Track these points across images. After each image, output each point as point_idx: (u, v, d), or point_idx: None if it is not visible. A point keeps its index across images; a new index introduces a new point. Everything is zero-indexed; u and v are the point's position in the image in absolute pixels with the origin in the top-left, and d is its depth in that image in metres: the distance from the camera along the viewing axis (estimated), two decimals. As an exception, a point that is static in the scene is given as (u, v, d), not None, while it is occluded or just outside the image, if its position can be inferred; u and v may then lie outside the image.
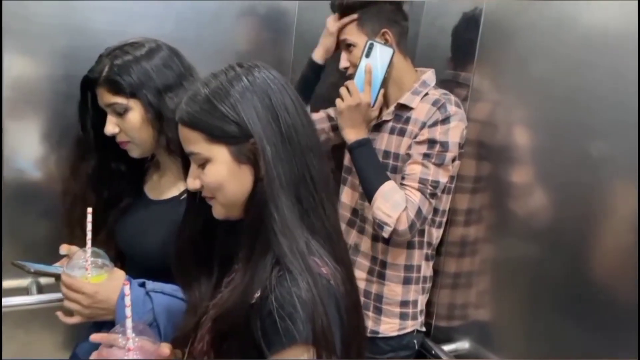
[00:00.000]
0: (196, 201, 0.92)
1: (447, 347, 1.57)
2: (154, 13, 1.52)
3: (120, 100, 1.13)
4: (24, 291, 1.52)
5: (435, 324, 1.65)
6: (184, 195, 1.14)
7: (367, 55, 1.42)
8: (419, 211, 1.37)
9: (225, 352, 0.83)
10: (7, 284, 1.51)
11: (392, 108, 1.48)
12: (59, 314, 1.10)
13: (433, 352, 1.58)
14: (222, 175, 0.83)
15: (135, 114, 1.14)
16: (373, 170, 1.41)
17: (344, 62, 1.49)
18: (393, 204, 1.35)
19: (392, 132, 1.48)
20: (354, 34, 1.45)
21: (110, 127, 1.15)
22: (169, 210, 1.15)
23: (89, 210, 1.07)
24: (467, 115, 1.48)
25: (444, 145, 1.39)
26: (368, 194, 1.40)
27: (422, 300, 1.57)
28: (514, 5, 1.42)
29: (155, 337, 0.94)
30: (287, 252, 0.78)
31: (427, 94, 1.46)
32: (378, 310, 1.53)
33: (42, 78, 1.46)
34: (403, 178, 1.40)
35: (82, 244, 1.10)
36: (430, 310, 1.64)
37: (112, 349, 0.89)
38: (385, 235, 1.38)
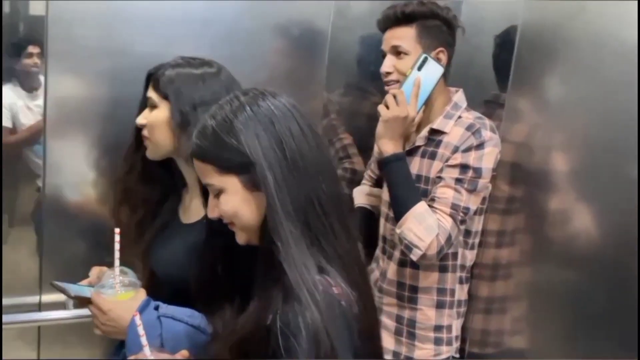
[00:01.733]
0: (213, 227, 0.94)
1: (481, 375, 1.53)
2: (192, 34, 1.56)
3: (154, 96, 1.18)
4: (62, 306, 1.56)
5: (469, 350, 1.60)
6: None
7: (419, 69, 1.38)
8: (449, 238, 1.34)
9: None
10: (45, 298, 1.56)
11: (424, 132, 1.46)
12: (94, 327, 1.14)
13: (467, 379, 1.53)
14: (236, 203, 0.85)
15: (160, 113, 1.18)
16: (406, 188, 1.38)
17: (387, 67, 1.44)
18: (426, 227, 1.33)
19: (423, 155, 1.45)
20: (410, 42, 1.41)
21: (141, 117, 1.21)
22: (195, 234, 1.16)
23: (117, 230, 1.10)
24: (502, 135, 1.45)
25: (478, 172, 1.36)
26: (398, 212, 1.37)
27: (457, 325, 1.52)
28: (551, 23, 1.40)
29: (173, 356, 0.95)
30: (293, 280, 0.78)
31: (460, 117, 1.44)
32: (412, 336, 1.50)
33: (85, 99, 1.51)
34: (433, 200, 1.37)
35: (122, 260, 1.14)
36: (463, 336, 1.59)
37: None
38: (414, 258, 1.35)
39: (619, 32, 1.22)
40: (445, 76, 1.45)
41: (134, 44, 1.51)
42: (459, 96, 1.48)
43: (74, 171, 1.55)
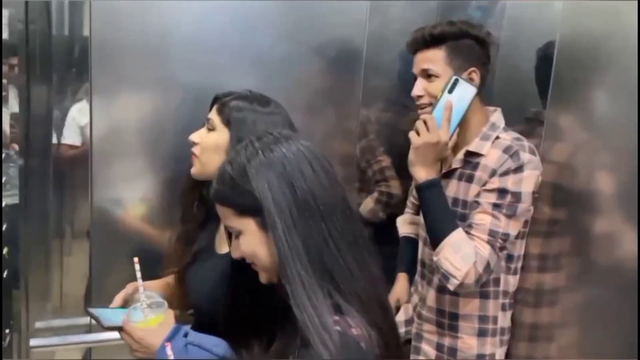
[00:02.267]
0: (241, 262, 0.95)
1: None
2: (230, 61, 1.59)
3: (216, 119, 1.22)
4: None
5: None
6: None
7: (450, 91, 1.34)
8: (487, 265, 1.30)
9: None
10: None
11: (461, 155, 1.41)
12: None
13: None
14: (253, 245, 0.88)
15: (217, 137, 1.21)
16: (442, 215, 1.34)
17: (418, 91, 1.42)
18: (463, 256, 1.29)
19: (460, 178, 1.41)
20: (440, 65, 1.38)
21: (196, 135, 1.25)
22: (226, 264, 1.19)
23: (136, 259, 1.15)
24: (542, 155, 1.39)
25: (516, 196, 1.32)
26: (434, 240, 1.34)
27: (500, 353, 1.47)
28: (590, 36, 1.33)
29: None
30: (302, 323, 0.78)
31: (497, 137, 1.39)
32: None
33: (129, 129, 1.57)
34: (470, 226, 1.33)
35: None
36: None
37: None
38: (451, 287, 1.32)
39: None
40: (480, 96, 1.40)
41: (178, 77, 1.55)
42: (497, 116, 1.43)
43: (121, 194, 1.61)
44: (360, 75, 1.72)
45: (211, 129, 1.23)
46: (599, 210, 1.31)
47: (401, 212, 1.77)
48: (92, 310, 1.20)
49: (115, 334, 1.54)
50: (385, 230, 1.78)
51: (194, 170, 1.27)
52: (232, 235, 0.93)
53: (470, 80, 1.37)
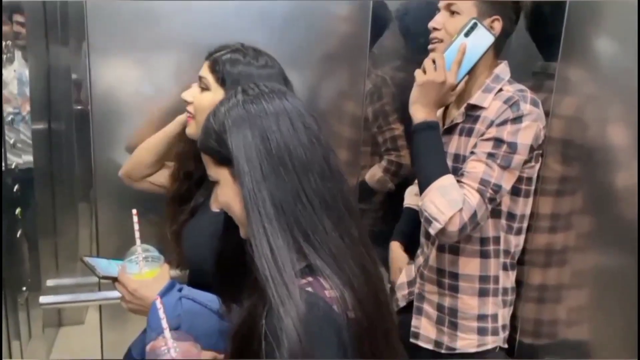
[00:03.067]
0: (231, 220, 0.95)
1: (533, 367, 1.43)
2: (227, 23, 1.55)
3: (209, 78, 1.21)
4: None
5: (520, 339, 1.51)
6: None
7: (467, 34, 1.28)
8: (474, 215, 1.24)
9: None
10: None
11: (462, 109, 1.36)
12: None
13: (517, 371, 1.45)
14: (228, 196, 0.89)
15: (211, 95, 1.20)
16: (434, 158, 1.29)
17: (436, 23, 1.35)
18: (449, 200, 1.23)
19: (461, 133, 1.36)
20: (466, 3, 1.31)
21: (188, 94, 1.25)
22: (217, 223, 1.18)
23: (134, 211, 1.15)
24: (552, 110, 1.32)
25: (512, 147, 1.26)
26: (423, 183, 1.28)
27: (503, 314, 1.43)
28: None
29: (195, 342, 0.97)
30: (268, 279, 0.77)
31: (500, 89, 1.32)
32: (453, 326, 1.42)
33: (128, 92, 1.56)
34: (462, 175, 1.28)
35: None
36: (514, 325, 1.50)
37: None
38: (432, 232, 1.25)
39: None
40: (496, 48, 1.33)
41: (174, 32, 1.53)
42: (502, 68, 1.36)
43: (123, 155, 1.61)
44: (367, 32, 1.66)
45: (205, 88, 1.21)
46: (613, 164, 1.24)
47: (411, 183, 1.72)
48: (88, 260, 1.22)
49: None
50: (396, 201, 1.74)
51: (189, 130, 1.26)
52: None
53: (490, 28, 1.30)
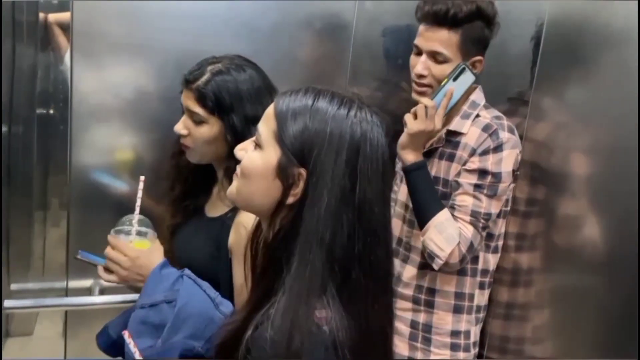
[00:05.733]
0: (227, 227, 0.94)
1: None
2: (214, 29, 1.57)
3: (202, 112, 1.15)
4: (87, 291, 1.63)
5: (487, 355, 1.55)
6: (229, 214, 1.17)
7: (455, 79, 1.31)
8: (471, 245, 1.32)
9: None
10: (71, 284, 1.62)
11: (442, 134, 1.40)
12: (100, 270, 1.15)
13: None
14: (257, 166, 0.79)
15: (210, 129, 1.16)
16: (428, 197, 1.35)
17: (423, 69, 1.35)
18: (447, 237, 1.30)
19: (441, 157, 1.41)
20: (452, 50, 1.32)
21: (181, 126, 1.18)
22: (213, 229, 1.18)
23: (142, 178, 1.11)
24: (525, 134, 1.39)
25: (497, 177, 1.32)
26: (421, 221, 1.35)
27: (475, 331, 1.48)
28: (576, 19, 1.32)
29: None
30: (283, 311, 0.72)
31: (477, 115, 1.38)
32: (427, 341, 1.46)
33: (109, 94, 1.54)
34: (453, 208, 1.34)
35: None
36: (482, 341, 1.54)
37: None
38: (436, 267, 1.34)
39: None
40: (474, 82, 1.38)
41: (157, 41, 1.53)
42: (477, 93, 1.42)
43: (100, 160, 1.59)
44: (348, 51, 1.70)
45: (199, 122, 1.16)
46: (570, 192, 1.31)
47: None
48: (83, 254, 1.19)
49: (88, 299, 1.56)
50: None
51: (192, 159, 1.22)
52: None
53: (473, 68, 1.34)
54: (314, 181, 0.74)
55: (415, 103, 1.37)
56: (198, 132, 1.17)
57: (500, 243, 1.46)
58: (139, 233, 1.13)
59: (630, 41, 1.15)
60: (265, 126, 0.80)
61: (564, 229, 1.34)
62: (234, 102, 1.13)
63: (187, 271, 1.08)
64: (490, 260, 1.45)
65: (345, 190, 0.74)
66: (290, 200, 0.77)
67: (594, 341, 1.29)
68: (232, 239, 1.13)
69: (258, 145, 0.81)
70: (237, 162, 0.83)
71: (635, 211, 1.14)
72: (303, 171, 0.76)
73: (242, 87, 1.14)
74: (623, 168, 1.17)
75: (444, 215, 1.32)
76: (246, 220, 1.08)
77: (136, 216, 1.13)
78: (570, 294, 1.35)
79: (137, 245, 1.11)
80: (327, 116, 0.77)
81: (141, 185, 1.12)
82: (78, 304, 1.57)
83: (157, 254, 1.10)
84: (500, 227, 1.44)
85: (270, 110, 0.81)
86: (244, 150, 0.83)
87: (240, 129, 1.13)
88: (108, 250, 1.12)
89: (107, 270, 1.13)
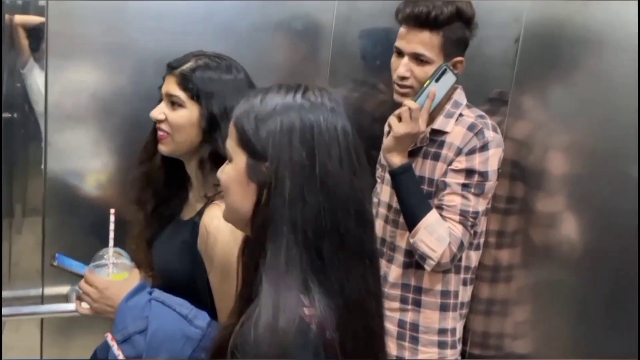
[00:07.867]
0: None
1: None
2: (193, 30, 1.55)
3: (182, 95, 1.14)
4: (64, 299, 1.59)
5: (469, 351, 1.58)
6: (197, 217, 1.15)
7: (437, 80, 1.31)
8: (461, 244, 1.34)
9: None
10: (47, 290, 1.58)
11: (426, 134, 1.41)
12: (76, 301, 1.16)
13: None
14: (231, 176, 0.82)
15: (187, 113, 1.14)
16: (416, 198, 1.35)
17: (405, 71, 1.34)
18: (437, 238, 1.31)
19: (425, 156, 1.42)
20: (434, 51, 1.32)
21: (158, 112, 1.16)
22: (186, 232, 1.16)
23: (112, 211, 1.11)
24: (505, 133, 1.41)
25: (484, 175, 1.34)
26: (410, 223, 1.35)
27: (460, 327, 1.50)
28: (554, 19, 1.35)
29: None
30: (266, 302, 0.73)
31: (461, 114, 1.40)
32: (415, 340, 1.46)
33: (85, 95, 1.51)
34: (441, 208, 1.35)
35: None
36: (465, 337, 1.57)
37: None
38: (428, 268, 1.35)
39: (619, 30, 1.17)
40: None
41: (135, 41, 1.51)
42: (459, 93, 1.43)
43: (76, 165, 1.56)
44: (328, 51, 1.70)
45: (178, 106, 1.15)
46: (547, 189, 1.35)
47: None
48: (60, 258, 1.19)
49: (66, 306, 1.52)
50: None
51: (165, 149, 1.19)
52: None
53: (454, 69, 1.35)
54: (275, 169, 0.76)
55: (396, 104, 1.38)
56: (175, 116, 1.15)
57: (482, 240, 1.49)
58: (115, 266, 1.14)
59: (608, 41, 1.18)
60: (230, 139, 0.83)
61: (543, 226, 1.38)
62: (215, 89, 1.13)
63: (155, 293, 1.08)
64: (472, 257, 1.47)
65: (306, 169, 0.76)
66: (265, 197, 0.79)
67: (572, 335, 1.33)
68: (198, 241, 1.12)
69: (230, 160, 0.83)
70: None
71: (611, 209, 1.18)
72: (268, 164, 0.78)
73: (225, 77, 1.15)
74: (601, 166, 1.20)
75: (433, 216, 1.33)
76: (207, 221, 1.08)
77: (111, 249, 1.13)
78: (549, 290, 1.38)
79: (115, 278, 1.11)
80: (276, 106, 0.79)
81: (112, 219, 1.12)
82: (53, 312, 1.54)
83: (128, 284, 1.09)
84: (482, 225, 1.46)
85: (230, 123, 0.84)
86: (222, 171, 0.85)
87: (217, 117, 1.12)
88: (81, 283, 1.12)
89: (83, 302, 1.15)
